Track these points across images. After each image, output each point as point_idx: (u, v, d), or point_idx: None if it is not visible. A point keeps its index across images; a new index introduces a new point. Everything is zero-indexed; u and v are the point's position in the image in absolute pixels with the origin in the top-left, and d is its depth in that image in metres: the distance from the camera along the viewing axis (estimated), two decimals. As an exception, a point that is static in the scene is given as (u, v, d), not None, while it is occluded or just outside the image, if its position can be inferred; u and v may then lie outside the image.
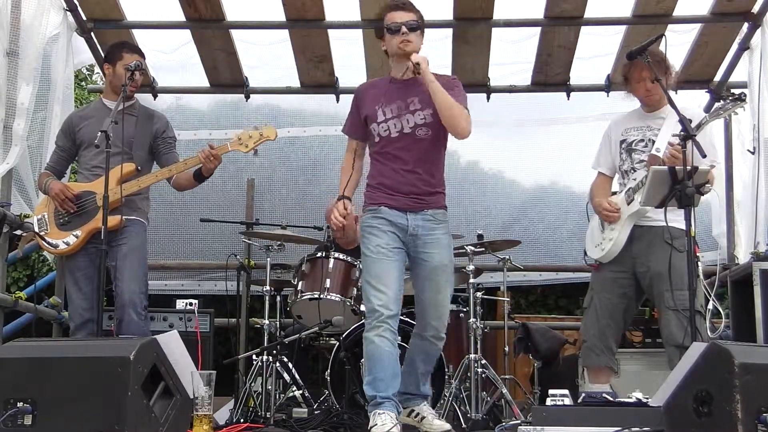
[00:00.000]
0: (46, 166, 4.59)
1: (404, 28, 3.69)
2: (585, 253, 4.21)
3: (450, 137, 3.83)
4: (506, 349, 5.18)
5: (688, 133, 3.52)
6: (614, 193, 4.21)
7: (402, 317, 4.34)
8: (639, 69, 4.02)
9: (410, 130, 3.73)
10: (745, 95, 3.74)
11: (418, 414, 3.75)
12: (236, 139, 4.33)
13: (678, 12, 5.51)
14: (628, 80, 4.12)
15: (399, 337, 4.34)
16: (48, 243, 4.28)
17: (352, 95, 6.21)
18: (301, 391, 4.70)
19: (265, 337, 4.74)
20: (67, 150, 4.50)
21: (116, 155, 4.06)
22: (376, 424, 3.45)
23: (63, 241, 4.25)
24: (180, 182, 4.45)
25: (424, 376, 3.86)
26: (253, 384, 4.61)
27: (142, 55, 4.49)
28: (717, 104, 3.85)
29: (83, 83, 7.92)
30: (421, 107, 3.73)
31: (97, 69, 6.72)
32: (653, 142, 3.99)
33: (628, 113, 4.23)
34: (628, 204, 3.98)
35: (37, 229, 4.31)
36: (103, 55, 5.78)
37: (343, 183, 3.85)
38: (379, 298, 3.59)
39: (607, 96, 6.10)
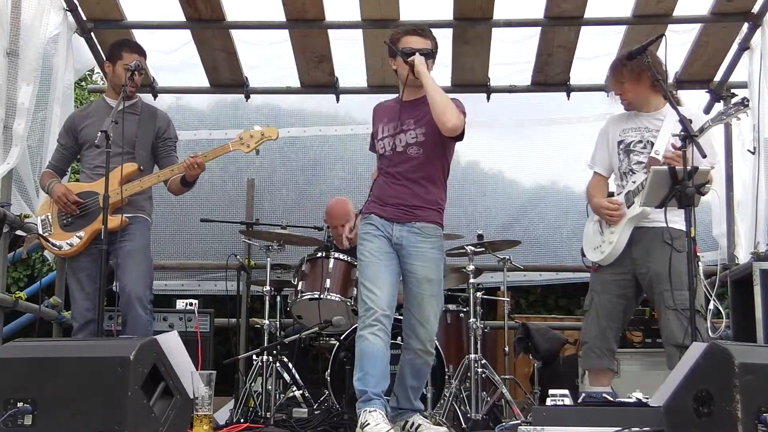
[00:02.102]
0: (48, 164, 4.59)
1: (418, 55, 3.75)
2: (583, 254, 4.21)
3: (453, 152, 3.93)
4: (506, 349, 5.18)
5: (688, 134, 3.52)
6: (611, 194, 4.20)
7: (401, 317, 4.34)
8: (614, 71, 4.09)
9: (402, 149, 3.81)
10: (748, 100, 3.74)
11: (413, 424, 3.74)
12: (238, 139, 4.33)
13: (678, 12, 5.51)
14: (621, 79, 4.13)
15: (399, 338, 4.36)
16: (52, 244, 4.28)
17: (353, 95, 6.37)
18: (301, 391, 4.70)
19: (265, 337, 4.74)
20: (69, 148, 4.50)
21: (119, 155, 4.07)
22: (369, 423, 3.45)
23: (66, 242, 4.26)
24: (172, 188, 4.47)
25: (415, 391, 3.86)
26: (253, 384, 4.61)
27: (143, 53, 4.48)
28: (720, 109, 3.86)
29: (83, 83, 7.92)
30: (414, 127, 3.80)
31: (97, 69, 6.71)
32: (652, 143, 3.99)
33: (625, 113, 4.23)
34: (628, 207, 3.98)
35: (40, 230, 4.32)
36: (103, 55, 5.81)
37: None
38: (371, 298, 3.65)
39: (607, 96, 6.09)
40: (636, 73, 4.00)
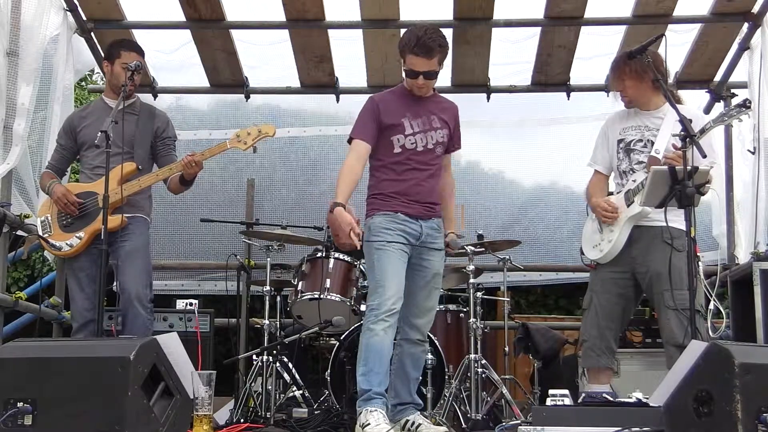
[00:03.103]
0: (47, 164, 4.59)
1: (421, 79, 3.78)
2: (582, 253, 4.21)
3: None
4: (506, 349, 5.18)
5: (688, 133, 3.52)
6: (611, 194, 4.20)
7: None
8: (615, 68, 4.09)
9: (432, 147, 3.86)
10: (750, 102, 3.73)
11: (413, 423, 3.74)
12: (235, 137, 4.33)
13: (678, 12, 5.52)
14: (622, 77, 4.12)
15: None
16: (52, 245, 4.28)
17: (353, 95, 6.36)
18: (301, 391, 4.70)
19: (265, 337, 4.74)
20: (68, 149, 4.50)
21: (117, 155, 4.06)
22: (369, 423, 3.44)
23: (66, 243, 4.26)
24: (172, 188, 4.48)
25: (415, 382, 3.88)
26: (253, 384, 4.61)
27: (141, 52, 4.49)
28: (721, 110, 3.86)
29: (83, 83, 7.92)
30: (440, 126, 3.89)
31: (97, 69, 6.72)
32: (652, 142, 3.99)
33: (625, 111, 4.22)
34: (628, 206, 3.98)
35: (40, 232, 4.32)
36: (103, 54, 5.81)
37: (348, 187, 3.75)
38: (389, 290, 3.62)
39: (607, 96, 6.08)
40: (637, 72, 4.00)
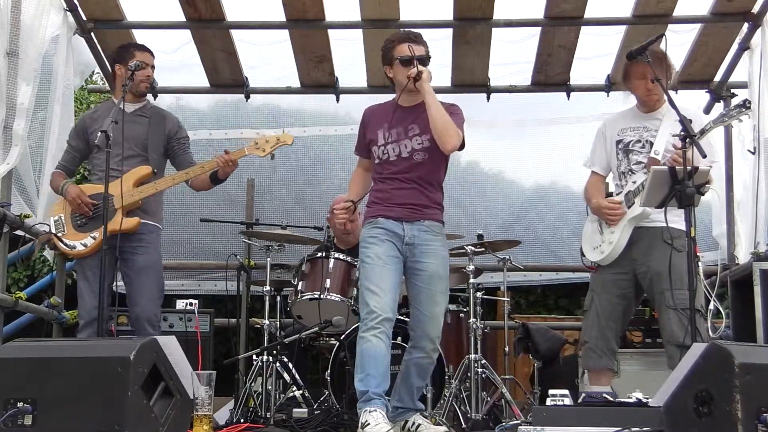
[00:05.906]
0: (58, 165, 4.60)
1: (416, 62, 3.76)
2: (582, 254, 4.20)
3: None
4: (506, 349, 5.18)
5: (688, 134, 3.52)
6: (610, 194, 4.20)
7: (401, 317, 4.34)
8: (642, 66, 3.99)
9: (408, 155, 3.82)
10: (750, 102, 3.74)
11: (413, 423, 3.76)
12: (253, 144, 4.33)
13: (678, 12, 5.51)
14: (629, 76, 4.10)
15: (399, 338, 4.36)
16: (65, 244, 4.29)
17: (353, 95, 6.37)
18: (301, 391, 4.70)
19: (265, 337, 4.74)
20: (80, 150, 4.51)
21: (131, 158, 4.11)
22: (369, 423, 3.45)
23: (80, 243, 4.27)
24: (197, 184, 4.47)
25: (419, 390, 3.90)
26: (253, 384, 4.61)
27: (152, 53, 4.52)
28: (721, 110, 3.86)
29: (83, 83, 7.91)
30: (419, 132, 3.81)
31: (97, 69, 6.71)
32: (651, 143, 3.99)
33: (622, 112, 4.23)
34: (629, 207, 3.98)
35: (54, 230, 4.32)
36: (103, 55, 5.82)
37: (351, 188, 4.04)
38: (377, 301, 3.64)
39: (607, 96, 6.11)
40: (640, 72, 4.00)
